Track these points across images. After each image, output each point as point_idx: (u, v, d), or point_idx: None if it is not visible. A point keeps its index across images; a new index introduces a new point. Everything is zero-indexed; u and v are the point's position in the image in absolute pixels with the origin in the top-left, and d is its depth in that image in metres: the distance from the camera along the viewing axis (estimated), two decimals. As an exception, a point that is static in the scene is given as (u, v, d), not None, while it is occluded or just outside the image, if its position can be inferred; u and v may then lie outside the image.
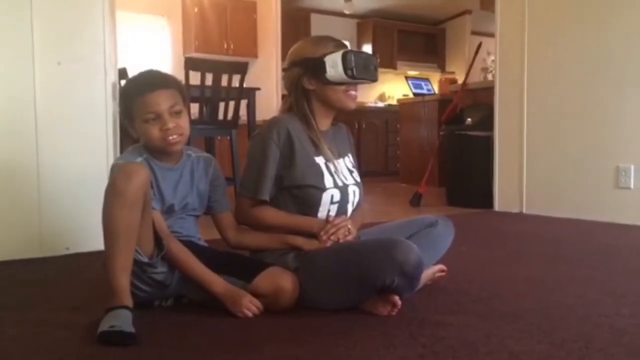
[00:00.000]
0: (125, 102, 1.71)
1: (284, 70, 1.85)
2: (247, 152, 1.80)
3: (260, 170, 1.73)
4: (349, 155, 1.92)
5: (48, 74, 2.55)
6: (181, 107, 1.67)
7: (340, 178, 1.79)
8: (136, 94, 1.65)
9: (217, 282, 1.62)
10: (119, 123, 2.65)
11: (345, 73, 1.71)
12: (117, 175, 1.48)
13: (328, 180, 1.76)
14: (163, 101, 1.63)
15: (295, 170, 1.73)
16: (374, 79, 1.80)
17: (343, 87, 1.77)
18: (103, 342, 1.36)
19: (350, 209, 1.83)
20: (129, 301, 1.46)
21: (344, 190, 1.79)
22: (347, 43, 1.85)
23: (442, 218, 1.93)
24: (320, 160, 1.77)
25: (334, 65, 1.71)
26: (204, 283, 1.62)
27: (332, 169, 1.79)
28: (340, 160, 1.85)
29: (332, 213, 1.77)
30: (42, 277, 2.21)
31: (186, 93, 1.74)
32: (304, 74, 1.77)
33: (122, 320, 1.40)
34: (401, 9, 8.08)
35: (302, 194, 1.74)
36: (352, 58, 1.71)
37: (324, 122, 1.83)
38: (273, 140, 1.72)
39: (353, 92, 1.79)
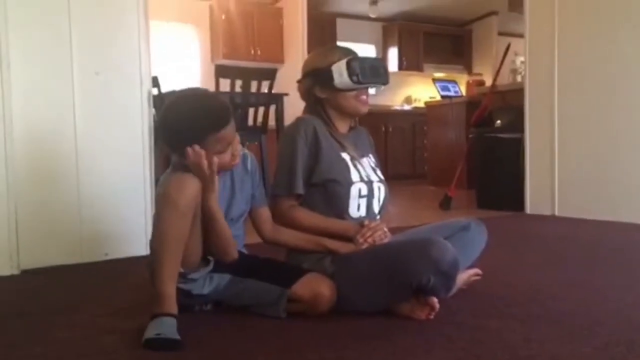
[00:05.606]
0: (190, 135, 1.55)
1: (298, 82, 1.91)
2: (277, 153, 1.84)
3: (292, 167, 1.77)
4: (370, 155, 1.96)
5: (86, 84, 2.61)
6: None
7: (365, 173, 1.83)
8: (212, 130, 1.56)
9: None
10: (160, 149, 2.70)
11: (351, 79, 1.77)
12: (170, 185, 1.51)
13: (354, 174, 1.80)
14: (233, 131, 1.61)
15: (323, 164, 1.77)
16: (384, 82, 1.86)
17: (353, 93, 1.82)
18: (148, 349, 1.39)
19: (376, 205, 1.86)
20: (174, 309, 1.49)
21: (369, 185, 1.83)
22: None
23: (475, 221, 1.93)
24: (345, 156, 1.82)
25: (340, 73, 1.78)
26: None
27: (357, 165, 1.83)
28: (364, 159, 1.89)
29: (362, 207, 1.81)
30: (85, 282, 2.27)
31: None
32: (315, 84, 1.84)
33: (167, 329, 1.43)
34: (427, 11, 8.05)
35: (330, 190, 1.77)
36: (357, 64, 1.78)
37: (342, 126, 1.89)
38: (301, 137, 1.78)
39: (364, 97, 1.85)
